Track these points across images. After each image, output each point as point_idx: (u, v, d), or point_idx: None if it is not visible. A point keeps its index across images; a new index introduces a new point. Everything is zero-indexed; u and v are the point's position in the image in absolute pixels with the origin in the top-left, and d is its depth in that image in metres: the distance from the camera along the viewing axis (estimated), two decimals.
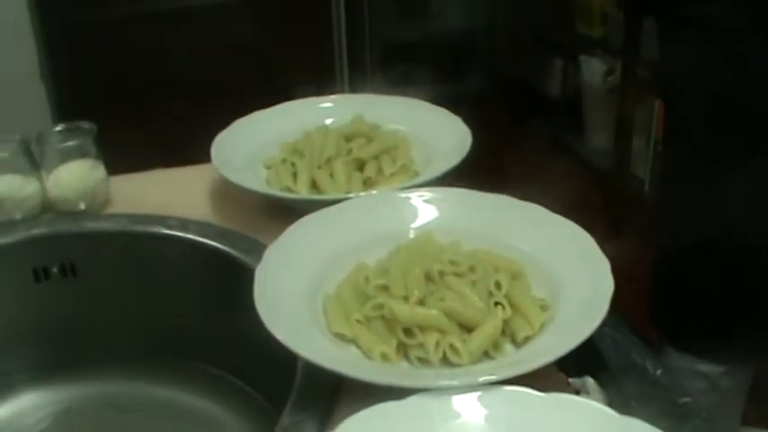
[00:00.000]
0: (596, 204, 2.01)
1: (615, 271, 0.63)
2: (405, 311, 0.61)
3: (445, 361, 0.61)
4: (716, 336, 1.06)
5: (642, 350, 0.68)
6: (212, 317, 0.81)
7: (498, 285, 0.65)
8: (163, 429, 0.81)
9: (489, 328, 0.61)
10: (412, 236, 0.72)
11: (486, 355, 0.61)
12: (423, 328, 0.61)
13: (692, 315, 1.10)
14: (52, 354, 0.84)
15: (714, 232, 0.91)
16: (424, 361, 0.61)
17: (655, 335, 1.06)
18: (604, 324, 0.59)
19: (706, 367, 1.04)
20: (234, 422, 0.80)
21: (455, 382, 0.56)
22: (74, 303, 0.83)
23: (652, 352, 0.68)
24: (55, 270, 0.81)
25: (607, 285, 0.62)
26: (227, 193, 0.86)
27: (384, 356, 0.60)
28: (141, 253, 0.82)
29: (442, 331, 0.61)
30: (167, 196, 0.87)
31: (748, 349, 1.17)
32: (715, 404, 1.05)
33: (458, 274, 0.66)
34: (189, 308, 0.82)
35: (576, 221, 0.69)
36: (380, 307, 0.63)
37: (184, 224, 0.81)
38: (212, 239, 0.79)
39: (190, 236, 0.80)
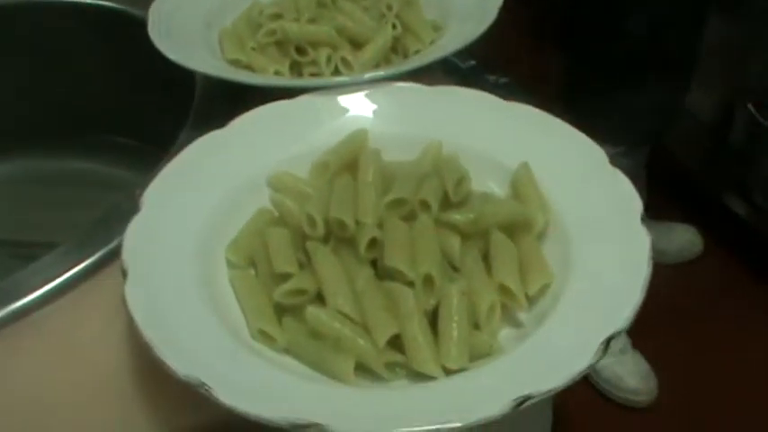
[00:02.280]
0: None
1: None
2: (295, 28, 0.62)
3: (336, 74, 0.62)
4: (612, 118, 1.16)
5: None
6: (116, 83, 0.81)
7: (389, 7, 0.65)
8: (75, 198, 0.81)
9: (380, 41, 0.62)
10: None
11: (376, 68, 0.62)
12: (314, 45, 0.62)
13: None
14: None
15: None
16: (317, 76, 0.62)
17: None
18: None
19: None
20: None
21: (344, 79, 0.57)
22: None
23: None
24: None
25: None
26: None
27: (277, 73, 0.61)
28: (40, 25, 0.80)
29: (333, 47, 0.62)
30: None
31: (642, 132, 1.27)
32: None
33: (350, 0, 0.66)
34: (92, 77, 0.81)
35: None
36: (273, 32, 0.63)
37: None
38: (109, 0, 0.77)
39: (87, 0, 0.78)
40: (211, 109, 0.62)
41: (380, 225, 0.45)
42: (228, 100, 0.62)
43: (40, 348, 0.48)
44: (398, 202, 0.46)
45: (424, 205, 0.46)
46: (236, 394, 0.36)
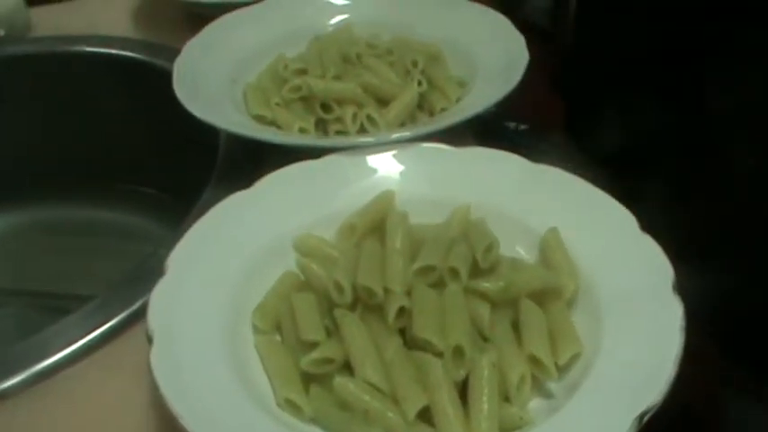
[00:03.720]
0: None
1: None
2: (321, 85, 0.62)
3: (363, 133, 0.61)
4: None
5: None
6: (140, 134, 0.81)
7: (415, 63, 0.65)
8: (98, 248, 0.81)
9: (406, 98, 0.62)
10: (331, 29, 0.72)
11: (402, 126, 0.62)
12: (340, 102, 0.62)
13: None
14: None
15: None
16: (342, 134, 0.62)
17: None
18: None
19: None
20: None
21: (370, 140, 0.56)
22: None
23: None
24: None
25: (522, 57, 0.63)
26: (148, 10, 0.85)
27: (302, 131, 0.61)
28: (66, 75, 0.81)
29: (359, 104, 0.62)
30: (90, 20, 0.85)
31: None
32: None
33: (375, 56, 0.66)
34: (117, 127, 0.82)
35: None
36: (299, 88, 0.63)
37: (107, 41, 0.80)
38: (135, 52, 0.78)
39: (113, 51, 0.79)
40: (235, 165, 0.62)
41: (409, 292, 0.45)
42: (253, 157, 0.62)
43: (63, 410, 0.47)
44: (427, 269, 0.46)
45: (453, 272, 0.46)
46: None
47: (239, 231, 0.51)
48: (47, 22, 0.87)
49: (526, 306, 0.46)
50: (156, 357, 0.41)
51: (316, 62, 0.65)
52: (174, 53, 0.75)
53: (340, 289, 0.46)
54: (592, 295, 0.46)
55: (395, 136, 0.56)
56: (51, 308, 0.62)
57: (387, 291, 0.45)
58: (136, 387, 0.47)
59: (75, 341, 0.50)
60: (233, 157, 0.63)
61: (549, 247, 0.49)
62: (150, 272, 0.52)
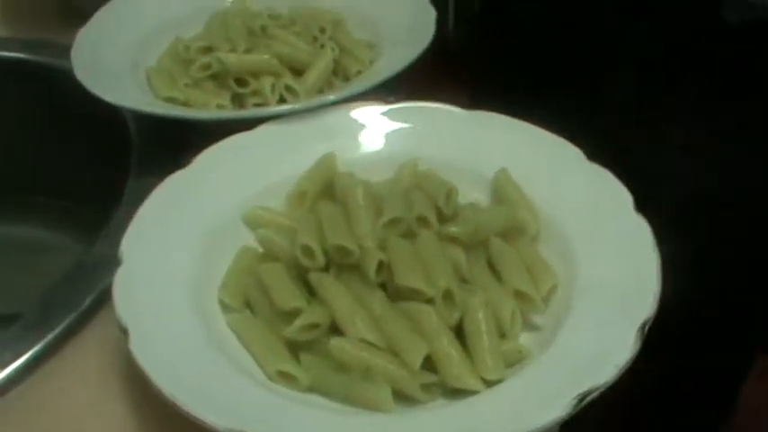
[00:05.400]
0: None
1: None
2: (233, 59, 0.60)
3: (281, 103, 0.60)
4: None
5: None
6: (38, 140, 0.76)
7: (323, 30, 0.64)
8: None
9: (321, 64, 0.61)
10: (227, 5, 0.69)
11: (320, 93, 0.61)
12: (255, 75, 0.60)
13: None
14: None
15: None
16: (260, 107, 0.60)
17: None
18: None
19: None
20: (68, 242, 0.76)
21: (297, 106, 0.55)
22: None
23: None
24: None
25: (429, 13, 0.63)
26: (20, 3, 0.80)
27: (220, 107, 0.59)
28: None
29: (275, 75, 0.60)
30: None
31: None
32: None
33: (281, 27, 0.65)
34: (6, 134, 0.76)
35: None
36: (208, 66, 0.61)
37: None
38: (13, 51, 0.72)
39: None
40: (152, 157, 0.59)
41: (383, 247, 0.44)
42: (169, 144, 0.59)
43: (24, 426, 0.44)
44: (395, 221, 0.45)
45: (423, 221, 0.45)
46: None
47: (185, 212, 0.48)
48: None
49: (497, 245, 0.46)
50: (138, 348, 0.39)
51: (221, 38, 0.62)
52: (56, 48, 0.71)
53: (310, 253, 0.44)
54: (554, 228, 0.47)
55: (319, 100, 0.55)
56: None
57: (361, 248, 0.44)
58: (101, 390, 0.44)
59: (21, 355, 0.46)
60: (148, 148, 0.60)
61: (503, 188, 0.49)
62: (86, 273, 0.50)
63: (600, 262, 0.44)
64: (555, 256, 0.46)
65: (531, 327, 0.44)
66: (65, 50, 0.62)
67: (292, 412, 0.38)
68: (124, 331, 0.40)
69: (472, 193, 0.50)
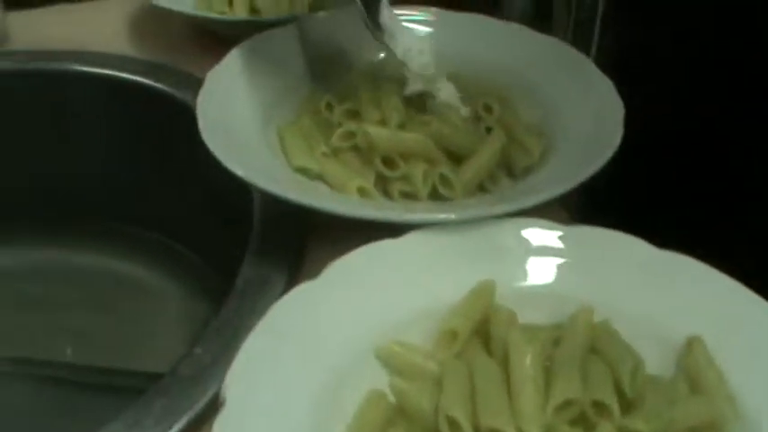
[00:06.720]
0: None
1: None
2: (384, 136, 0.51)
3: (433, 196, 0.51)
4: None
5: None
6: (143, 168, 0.69)
7: (488, 109, 0.55)
8: (91, 298, 0.69)
9: (486, 155, 0.52)
10: (381, 56, 0.60)
11: (480, 189, 0.52)
12: (406, 157, 0.51)
13: None
14: None
15: None
16: (408, 196, 0.51)
17: None
18: None
19: None
20: (173, 289, 0.69)
21: (452, 216, 0.46)
22: None
23: None
24: None
25: (616, 106, 0.53)
26: (148, 23, 0.73)
27: (361, 191, 0.50)
28: (51, 96, 0.68)
29: (429, 160, 0.51)
30: (75, 30, 0.73)
31: None
32: None
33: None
34: (114, 159, 0.70)
35: None
36: (351, 135, 0.52)
37: (102, 59, 0.68)
38: (137, 75, 0.66)
39: (109, 71, 0.67)
40: (276, 226, 0.51)
41: None
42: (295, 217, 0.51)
43: None
44: (567, 404, 0.36)
45: (599, 407, 0.36)
46: None
47: (307, 338, 0.40)
48: (22, 30, 0.74)
49: None
50: None
51: (370, 103, 0.54)
52: (182, 77, 0.64)
53: (456, 428, 0.35)
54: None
55: (489, 211, 0.46)
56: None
57: None
58: None
59: None
60: (271, 216, 0.52)
61: (697, 367, 0.39)
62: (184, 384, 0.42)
63: None
64: None
65: None
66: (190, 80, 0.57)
67: None
68: None
69: (653, 358, 0.40)
